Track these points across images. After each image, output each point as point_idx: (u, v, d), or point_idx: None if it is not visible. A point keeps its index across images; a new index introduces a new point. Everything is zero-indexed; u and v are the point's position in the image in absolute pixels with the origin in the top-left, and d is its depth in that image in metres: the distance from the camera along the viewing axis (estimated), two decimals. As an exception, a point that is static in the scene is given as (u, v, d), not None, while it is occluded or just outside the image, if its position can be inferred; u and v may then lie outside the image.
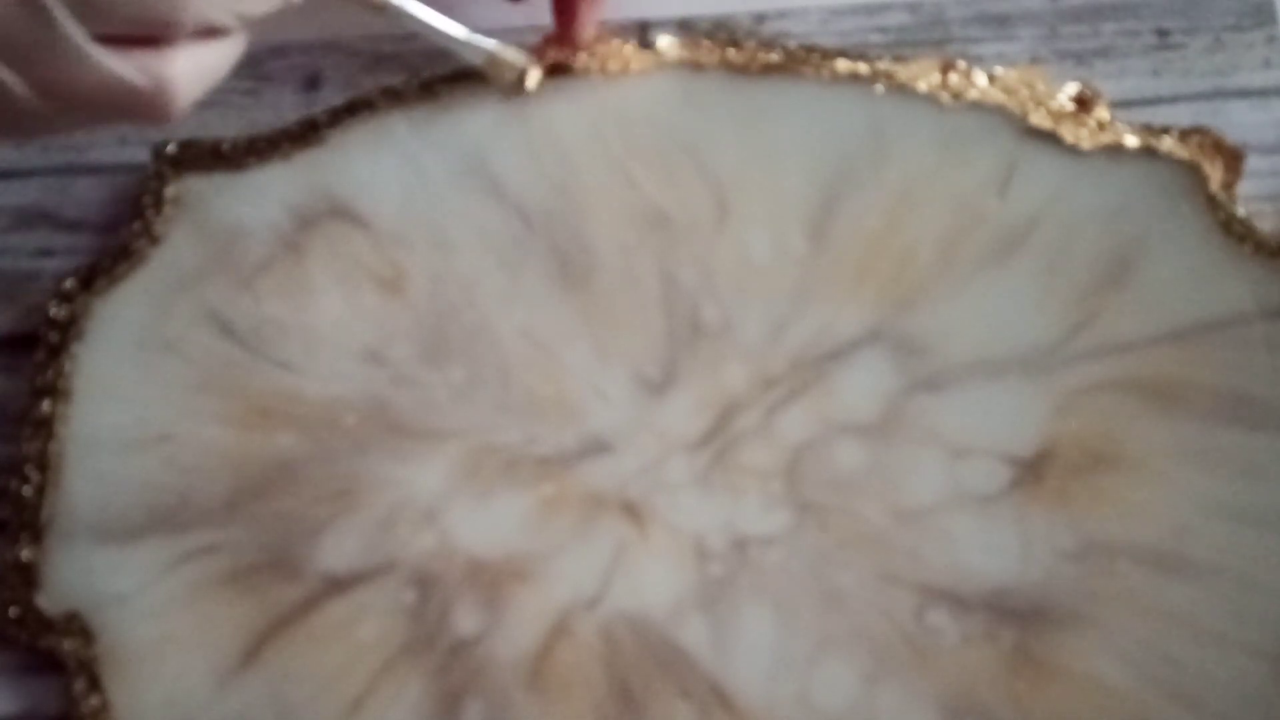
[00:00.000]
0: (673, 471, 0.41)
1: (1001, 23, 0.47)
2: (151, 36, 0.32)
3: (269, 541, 0.40)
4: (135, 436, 0.42)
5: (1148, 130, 0.44)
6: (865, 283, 0.43)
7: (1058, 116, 0.44)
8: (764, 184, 0.44)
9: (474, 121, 0.45)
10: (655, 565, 0.40)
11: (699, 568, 0.40)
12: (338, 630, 0.39)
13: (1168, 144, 0.44)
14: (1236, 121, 0.45)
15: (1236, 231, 0.42)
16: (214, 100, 0.34)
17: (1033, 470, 0.40)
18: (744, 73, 0.46)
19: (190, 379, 0.42)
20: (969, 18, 0.47)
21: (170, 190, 0.45)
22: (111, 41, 0.31)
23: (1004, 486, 0.40)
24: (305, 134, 0.45)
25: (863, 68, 0.45)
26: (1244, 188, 0.43)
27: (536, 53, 0.45)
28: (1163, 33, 0.47)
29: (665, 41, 0.46)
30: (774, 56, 0.46)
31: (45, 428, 0.42)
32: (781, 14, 0.48)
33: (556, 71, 0.46)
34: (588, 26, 0.45)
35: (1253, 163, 0.44)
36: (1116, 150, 0.44)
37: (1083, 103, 0.45)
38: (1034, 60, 0.47)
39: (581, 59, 0.45)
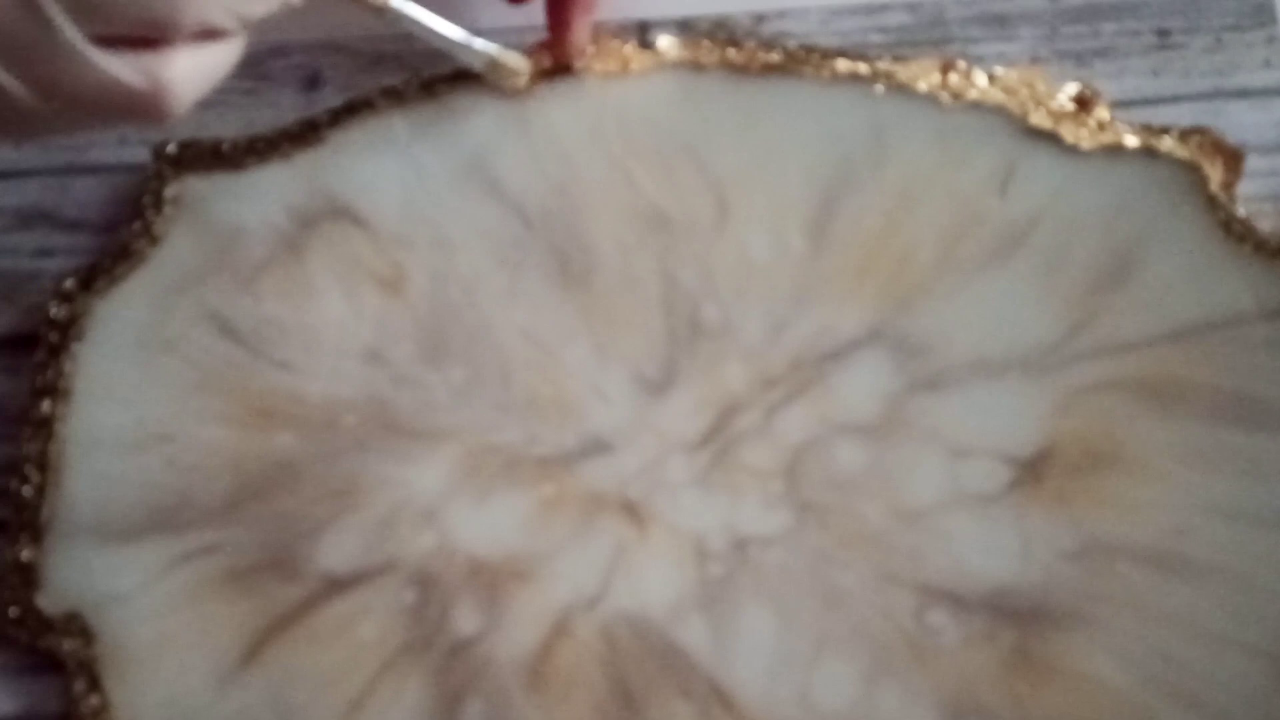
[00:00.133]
0: (673, 471, 0.41)
1: (1001, 23, 0.47)
2: (150, 38, 0.32)
3: (269, 541, 0.40)
4: (135, 436, 0.42)
5: (1148, 130, 0.44)
6: (865, 283, 0.43)
7: (1058, 116, 0.44)
8: (764, 184, 0.44)
9: (474, 121, 0.45)
10: (655, 565, 0.40)
11: (699, 568, 0.40)
12: (338, 630, 0.39)
13: (1168, 144, 0.44)
14: (1236, 121, 0.45)
15: (1236, 231, 0.42)
16: (214, 100, 0.34)
17: (1033, 470, 0.40)
18: (744, 73, 0.46)
19: (190, 379, 0.42)
20: (969, 18, 0.47)
21: (170, 190, 0.45)
22: (110, 42, 0.31)
23: (1004, 486, 0.40)
24: (305, 134, 0.45)
25: (863, 68, 0.45)
26: (1244, 188, 0.43)
27: (533, 58, 0.45)
28: (1163, 33, 0.47)
29: (665, 41, 0.46)
30: (774, 56, 0.46)
31: (45, 428, 0.42)
32: (781, 14, 0.48)
33: (556, 71, 0.46)
34: (582, 34, 0.45)
35: (1253, 163, 0.44)
36: (1116, 150, 0.44)
37: (1083, 103, 0.45)
38: (1034, 60, 0.47)
39: (579, 62, 0.45)
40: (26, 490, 0.41)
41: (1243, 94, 0.46)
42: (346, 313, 0.43)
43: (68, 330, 0.43)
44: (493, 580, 0.40)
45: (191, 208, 0.45)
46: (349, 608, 0.40)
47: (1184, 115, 0.45)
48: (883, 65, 0.45)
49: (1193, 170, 0.43)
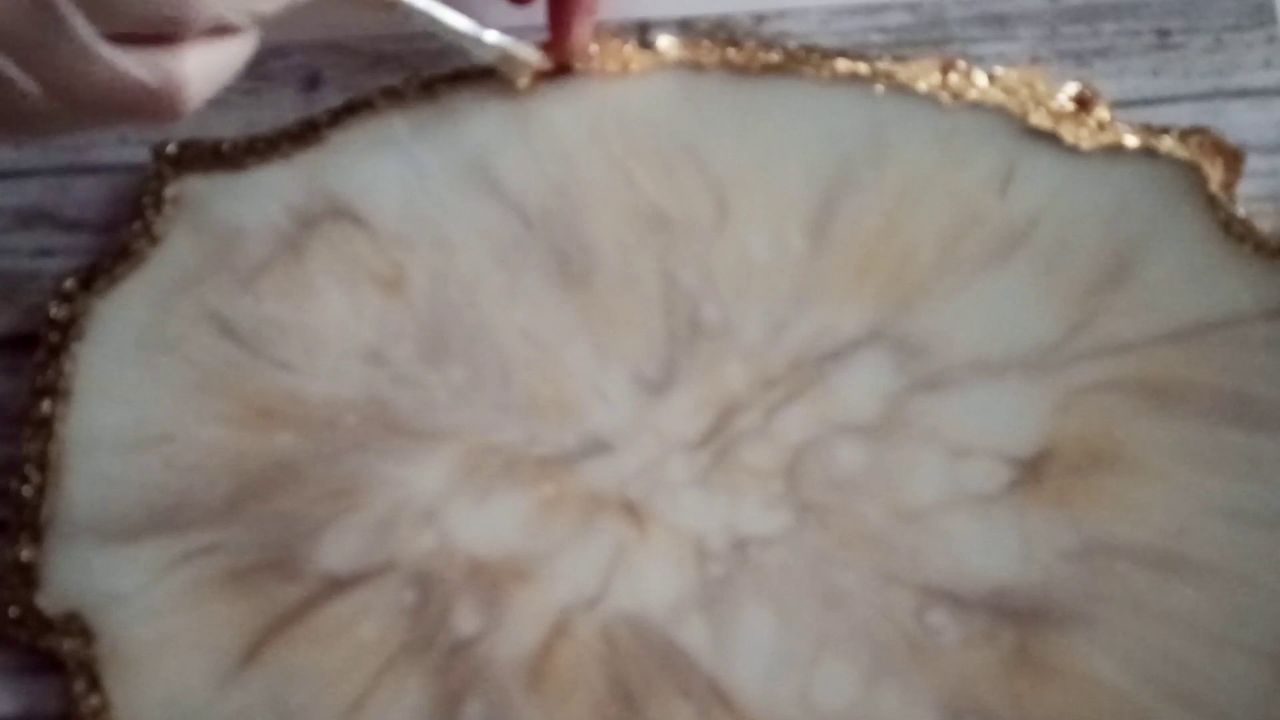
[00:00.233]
0: (673, 471, 0.41)
1: (1001, 23, 0.47)
2: (162, 35, 0.31)
3: (269, 541, 0.40)
4: (135, 436, 0.42)
5: (1148, 130, 0.44)
6: (865, 283, 0.43)
7: (1058, 116, 0.44)
8: (764, 184, 0.44)
9: (474, 121, 0.45)
10: (655, 565, 0.40)
11: (699, 568, 0.40)
12: (338, 630, 0.39)
13: (1168, 144, 0.44)
14: (1236, 121, 0.45)
15: (1236, 231, 0.42)
16: (214, 100, 0.34)
17: (1033, 470, 0.40)
18: (744, 73, 0.46)
19: (190, 379, 0.42)
20: (969, 18, 0.47)
21: (170, 190, 0.45)
22: (122, 40, 0.31)
23: (1004, 486, 0.40)
24: (305, 134, 0.45)
25: (863, 68, 0.45)
26: (1244, 188, 0.43)
27: (545, 58, 0.45)
28: (1163, 33, 0.47)
29: (665, 41, 0.46)
30: (774, 56, 0.46)
31: (45, 428, 0.42)
32: (781, 14, 0.48)
33: (557, 72, 0.45)
34: (583, 37, 0.45)
35: (1253, 163, 0.44)
36: (1116, 150, 0.44)
37: (1083, 103, 0.45)
38: (1034, 60, 0.47)
39: (581, 65, 0.45)
40: (26, 490, 0.41)
41: (1243, 94, 0.46)
42: (346, 313, 0.43)
43: (68, 330, 0.43)
44: (493, 580, 0.40)
45: (191, 208, 0.45)
46: (349, 608, 0.40)
47: (1184, 115, 0.45)
48: (883, 65, 0.45)
49: (1193, 170, 0.43)
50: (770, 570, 0.40)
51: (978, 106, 0.45)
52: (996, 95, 0.45)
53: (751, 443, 0.41)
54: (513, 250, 0.44)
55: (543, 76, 0.45)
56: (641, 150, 0.45)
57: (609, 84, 0.46)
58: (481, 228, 0.44)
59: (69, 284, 0.44)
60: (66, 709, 0.39)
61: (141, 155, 0.45)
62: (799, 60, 0.46)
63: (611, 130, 0.45)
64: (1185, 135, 0.44)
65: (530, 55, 0.44)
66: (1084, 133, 0.44)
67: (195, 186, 0.45)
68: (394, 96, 0.45)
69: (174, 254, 0.44)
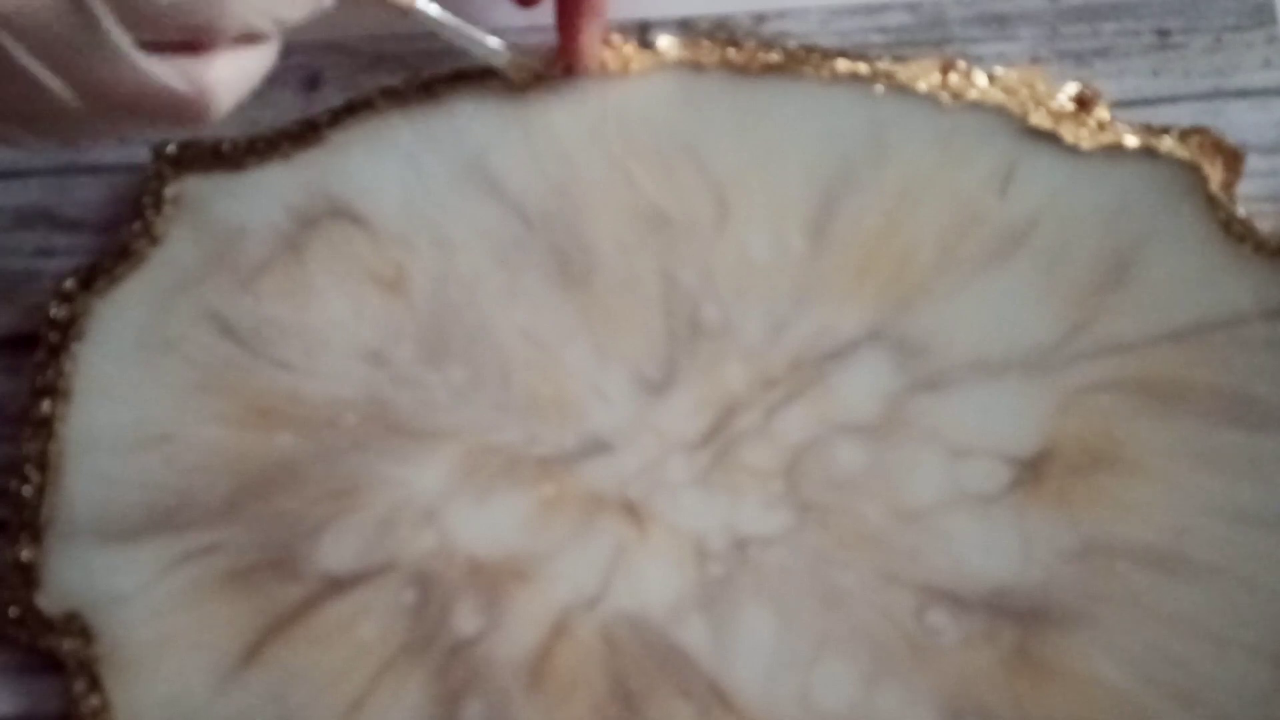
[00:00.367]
0: (673, 471, 0.41)
1: (1001, 23, 0.47)
2: (192, 42, 0.32)
3: (269, 541, 0.40)
4: (135, 436, 0.42)
5: (1148, 130, 0.44)
6: (865, 283, 0.43)
7: (1058, 116, 0.44)
8: (764, 184, 0.44)
9: (474, 121, 0.45)
10: (655, 565, 0.40)
11: (699, 568, 0.40)
12: (338, 630, 0.39)
13: (1168, 144, 0.44)
14: (1236, 121, 0.45)
15: (1236, 231, 0.42)
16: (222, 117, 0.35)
17: (1033, 470, 0.40)
18: (744, 73, 0.46)
19: (190, 379, 0.42)
20: (969, 18, 0.47)
21: (170, 190, 0.45)
22: (153, 47, 0.32)
23: (1004, 486, 0.40)
24: (305, 134, 0.45)
25: (863, 68, 0.45)
26: (1244, 188, 0.43)
27: (553, 63, 0.45)
28: (1163, 33, 0.47)
29: (665, 41, 0.46)
30: (774, 56, 0.46)
31: (45, 428, 0.42)
32: (781, 14, 0.48)
33: (560, 73, 0.46)
34: (592, 42, 0.45)
35: (1253, 163, 0.44)
36: (1116, 150, 0.44)
37: (1083, 103, 0.45)
38: (1034, 60, 0.47)
39: (589, 70, 0.45)
40: (26, 490, 0.41)
41: (1243, 94, 0.46)
42: (347, 313, 0.43)
43: (68, 330, 0.43)
44: (493, 580, 0.40)
45: (191, 208, 0.45)
46: (349, 608, 0.40)
47: (1184, 115, 0.45)
48: (883, 65, 0.45)
49: (1193, 170, 0.43)
50: (770, 570, 0.40)
51: (978, 106, 0.45)
52: (996, 95, 0.45)
53: (751, 443, 0.41)
54: (513, 250, 0.44)
55: (544, 77, 0.45)
56: (641, 150, 0.45)
57: (609, 84, 0.46)
58: (481, 228, 0.44)
59: (69, 284, 0.44)
60: (66, 709, 0.39)
61: (141, 155, 0.45)
62: (799, 60, 0.46)
63: (611, 130, 0.45)
64: (1185, 135, 0.44)
65: (535, 60, 0.45)
66: (1084, 133, 0.44)
67: (195, 186, 0.45)
68: (394, 96, 0.45)
69: (174, 254, 0.44)
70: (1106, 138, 0.44)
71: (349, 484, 0.41)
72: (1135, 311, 0.42)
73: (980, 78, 0.45)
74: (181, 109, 0.33)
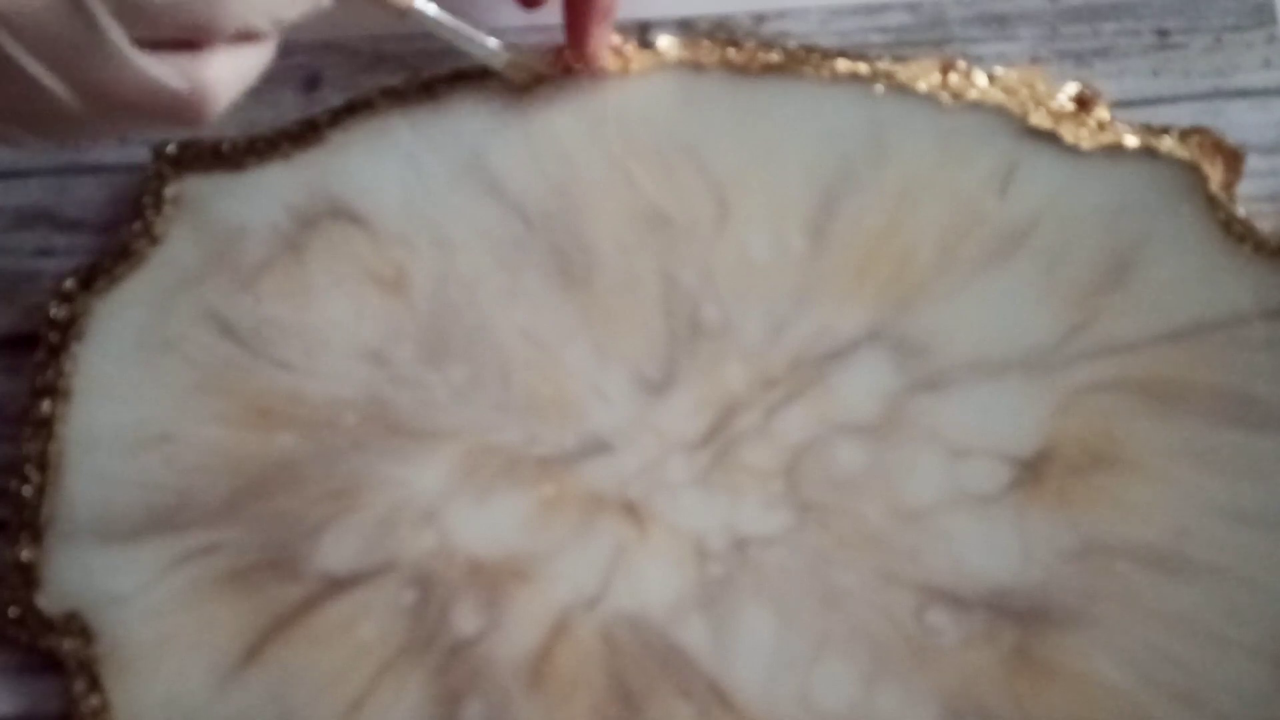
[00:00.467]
0: (673, 471, 0.41)
1: (1001, 23, 0.47)
2: (189, 41, 0.32)
3: (269, 541, 0.40)
4: (135, 436, 0.42)
5: (1148, 130, 0.44)
6: (865, 283, 0.43)
7: (1058, 116, 0.44)
8: (764, 184, 0.44)
9: (474, 121, 0.45)
10: (655, 565, 0.40)
11: (699, 568, 0.40)
12: (338, 630, 0.39)
13: (1168, 144, 0.44)
14: (1236, 121, 0.45)
15: (1236, 231, 0.42)
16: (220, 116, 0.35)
17: (1033, 470, 0.40)
18: (744, 73, 0.46)
19: (190, 379, 0.42)
20: (969, 18, 0.47)
21: (170, 190, 0.45)
22: (150, 46, 0.31)
23: (1004, 486, 0.40)
24: (305, 134, 0.45)
25: (863, 68, 0.45)
26: (1244, 188, 0.43)
27: (552, 64, 0.45)
28: (1163, 33, 0.47)
29: (665, 41, 0.46)
30: (774, 56, 0.46)
31: (45, 428, 0.42)
32: (781, 14, 0.48)
33: (561, 73, 0.45)
34: (601, 42, 0.45)
35: (1253, 163, 0.44)
36: (1116, 150, 0.44)
37: (1083, 103, 0.45)
38: (1034, 60, 0.47)
39: (599, 71, 0.45)
40: (26, 490, 0.41)
41: (1243, 94, 0.46)
42: (347, 313, 0.43)
43: (68, 330, 0.43)
44: (493, 580, 0.40)
45: (191, 208, 0.45)
46: (349, 608, 0.40)
47: (1184, 115, 0.45)
48: (883, 65, 0.45)
49: (1193, 170, 0.43)
50: (770, 570, 0.40)
51: (978, 106, 0.45)
52: (996, 95, 0.45)
53: (751, 443, 0.41)
54: (513, 250, 0.44)
55: (544, 77, 0.45)
56: (641, 150, 0.45)
57: (609, 84, 0.46)
58: (481, 228, 0.44)
59: (69, 284, 0.44)
60: (66, 709, 0.39)
61: (141, 155, 0.45)
62: (799, 60, 0.46)
63: (611, 130, 0.45)
64: (1185, 135, 0.44)
65: (534, 60, 0.45)
66: (1084, 133, 0.44)
67: (195, 186, 0.45)
68: (394, 96, 0.45)
69: (174, 254, 0.44)
70: (1106, 138, 0.44)
71: (349, 484, 0.41)
72: (1135, 311, 0.42)
73: (980, 78, 0.45)
74: (179, 107, 0.33)
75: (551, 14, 0.45)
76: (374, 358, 0.43)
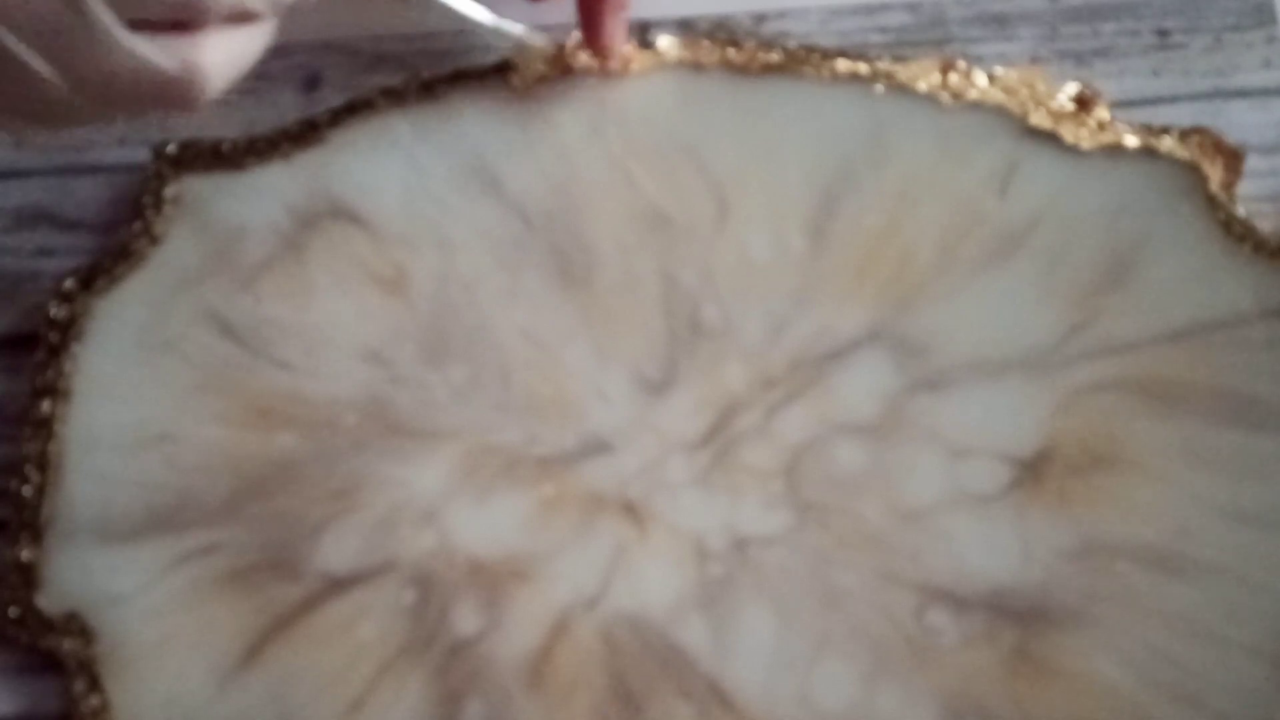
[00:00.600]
0: (673, 471, 0.41)
1: (1001, 23, 0.47)
2: (181, 22, 0.31)
3: (269, 541, 0.40)
4: (135, 436, 0.42)
5: (1148, 130, 0.44)
6: (865, 283, 0.43)
7: (1058, 116, 0.44)
8: (764, 184, 0.44)
9: (474, 121, 0.45)
10: (655, 565, 0.40)
11: (699, 567, 0.40)
12: (338, 630, 0.39)
13: (1168, 144, 0.44)
14: (1236, 121, 0.45)
15: (1236, 231, 0.42)
16: (214, 99, 0.34)
17: (1033, 470, 0.40)
18: (744, 73, 0.46)
19: (190, 379, 0.42)
20: (969, 18, 0.47)
21: (170, 190, 0.45)
22: (141, 27, 0.31)
23: (1004, 486, 0.40)
24: (305, 134, 0.45)
25: (863, 68, 0.45)
26: (1244, 188, 0.43)
27: (566, 56, 0.45)
28: (1163, 33, 0.47)
29: (665, 41, 0.46)
30: (774, 56, 0.46)
31: (45, 428, 0.42)
32: (781, 14, 0.48)
33: (560, 73, 0.46)
34: (616, 34, 0.45)
35: (1253, 163, 0.44)
36: (1116, 150, 0.44)
37: (1083, 103, 0.45)
38: (1034, 60, 0.47)
39: (587, 60, 0.45)
40: (26, 490, 0.41)
41: (1243, 94, 0.46)
42: (347, 313, 0.43)
43: (68, 330, 0.43)
44: (493, 580, 0.40)
45: (191, 208, 0.45)
46: (349, 608, 0.40)
47: (1184, 115, 0.45)
48: (883, 65, 0.45)
49: (1193, 170, 0.43)
50: (770, 570, 0.40)
51: (978, 106, 0.45)
52: (996, 95, 0.45)
53: (751, 443, 0.41)
54: (513, 250, 0.44)
55: (544, 77, 0.45)
56: (641, 150, 0.45)
57: (609, 84, 0.46)
58: (482, 228, 0.44)
59: (69, 284, 0.44)
60: (66, 709, 0.39)
61: (141, 155, 0.45)
62: (799, 60, 0.46)
63: (611, 130, 0.45)
64: (1185, 135, 0.44)
65: (544, 44, 0.45)
66: (1084, 133, 0.44)
67: (195, 186, 0.45)
68: (394, 96, 0.45)
69: (174, 254, 0.44)
70: (1106, 138, 0.44)
71: (349, 484, 0.41)
72: (1135, 311, 0.42)
73: (980, 78, 0.45)
74: (170, 90, 0.32)
75: (556, 13, 0.45)
76: (374, 358, 0.43)
